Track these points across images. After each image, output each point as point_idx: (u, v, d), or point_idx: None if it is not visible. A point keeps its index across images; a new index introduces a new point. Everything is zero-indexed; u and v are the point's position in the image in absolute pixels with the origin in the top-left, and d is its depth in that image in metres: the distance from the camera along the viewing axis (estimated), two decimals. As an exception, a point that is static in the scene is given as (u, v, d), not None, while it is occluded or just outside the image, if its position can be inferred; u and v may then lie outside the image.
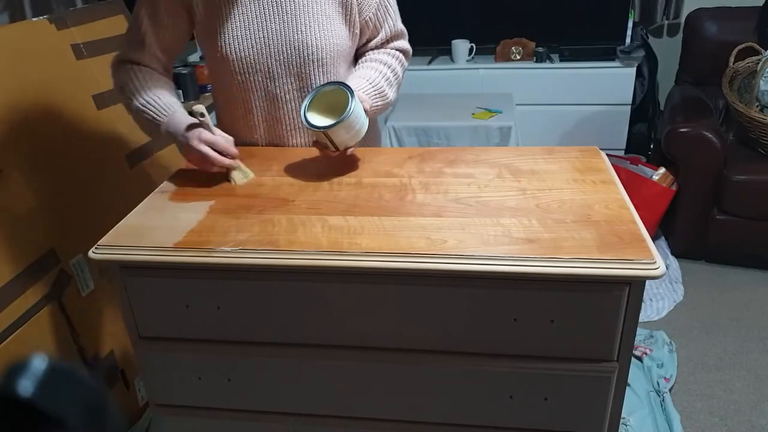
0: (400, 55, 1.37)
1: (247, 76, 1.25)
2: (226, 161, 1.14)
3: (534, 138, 3.12)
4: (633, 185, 2.49)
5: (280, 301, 0.98)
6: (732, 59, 2.68)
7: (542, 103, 3.12)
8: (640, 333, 2.12)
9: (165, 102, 1.19)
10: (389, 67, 1.33)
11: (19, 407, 0.35)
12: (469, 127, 2.58)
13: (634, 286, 0.89)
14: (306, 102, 1.15)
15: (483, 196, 1.08)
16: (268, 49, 1.23)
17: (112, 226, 1.03)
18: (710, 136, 2.38)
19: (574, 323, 0.93)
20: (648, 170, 2.63)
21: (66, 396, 0.37)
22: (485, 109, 2.71)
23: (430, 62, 3.25)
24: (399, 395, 1.04)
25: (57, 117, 1.63)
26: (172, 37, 1.25)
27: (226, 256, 0.93)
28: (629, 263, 0.86)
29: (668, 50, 3.18)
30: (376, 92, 1.28)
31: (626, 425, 1.75)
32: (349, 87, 1.13)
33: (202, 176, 1.20)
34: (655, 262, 0.86)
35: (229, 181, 1.17)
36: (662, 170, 2.58)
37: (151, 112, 1.19)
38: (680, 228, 2.56)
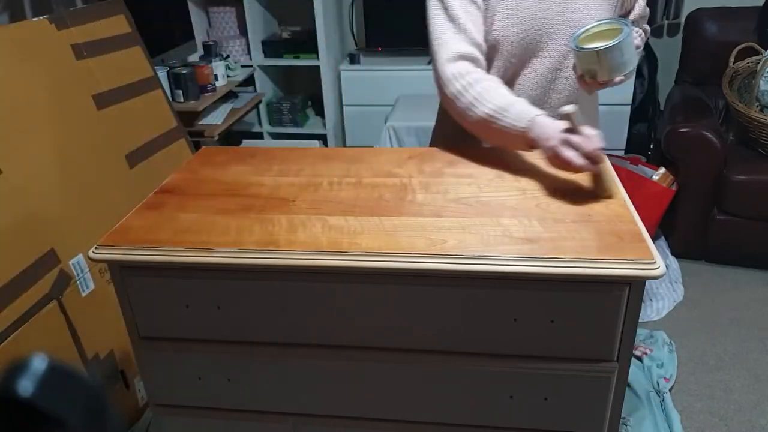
0: (643, 33, 1.39)
1: (520, 57, 1.27)
2: (591, 167, 1.03)
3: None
4: (633, 185, 2.49)
5: (280, 301, 0.98)
6: (732, 59, 2.68)
7: (542, 103, 3.11)
8: (640, 333, 2.12)
9: (520, 109, 1.12)
10: (635, 40, 1.34)
11: (19, 407, 0.35)
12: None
13: (634, 286, 0.89)
14: (576, 33, 1.15)
15: (483, 196, 1.08)
16: (547, 29, 1.24)
17: (112, 226, 1.03)
18: (710, 136, 2.37)
19: (574, 323, 0.93)
20: (648, 170, 2.63)
21: (66, 396, 0.37)
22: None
23: (429, 62, 3.24)
24: (399, 395, 1.04)
25: (57, 117, 1.63)
26: (480, 21, 1.24)
27: (226, 256, 0.93)
28: (629, 263, 0.86)
29: (668, 50, 3.18)
30: None
31: (626, 425, 1.75)
32: (622, 19, 1.14)
33: (203, 176, 1.20)
34: (655, 262, 0.86)
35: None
36: (662, 170, 2.58)
37: (507, 120, 1.12)
38: (680, 228, 2.56)
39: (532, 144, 1.11)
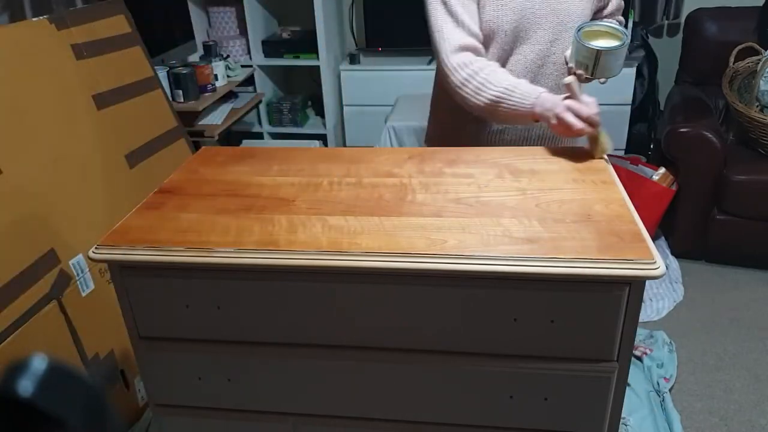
0: (619, 25, 1.45)
1: (512, 45, 1.34)
2: (589, 130, 1.16)
3: (534, 138, 3.11)
4: (633, 185, 2.49)
5: (279, 301, 0.98)
6: (732, 59, 2.68)
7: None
8: (640, 333, 2.12)
9: (525, 89, 1.24)
10: None
11: (19, 407, 0.35)
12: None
13: (634, 286, 0.89)
14: (581, 26, 1.22)
15: (483, 196, 1.08)
16: (535, 18, 1.32)
17: (112, 226, 1.03)
18: (710, 136, 2.37)
19: (574, 323, 0.93)
20: (648, 170, 2.63)
21: (66, 396, 0.37)
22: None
23: (430, 62, 3.24)
24: (399, 395, 1.04)
25: (57, 117, 1.63)
26: (475, 13, 1.31)
27: (226, 256, 0.93)
28: (629, 263, 0.86)
29: (668, 50, 3.18)
30: None
31: (626, 425, 1.75)
32: (622, 29, 1.21)
33: (203, 176, 1.20)
34: (655, 262, 0.86)
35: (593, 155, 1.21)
36: (662, 170, 2.58)
37: (514, 99, 1.24)
38: (680, 228, 2.56)
39: (536, 118, 1.23)
